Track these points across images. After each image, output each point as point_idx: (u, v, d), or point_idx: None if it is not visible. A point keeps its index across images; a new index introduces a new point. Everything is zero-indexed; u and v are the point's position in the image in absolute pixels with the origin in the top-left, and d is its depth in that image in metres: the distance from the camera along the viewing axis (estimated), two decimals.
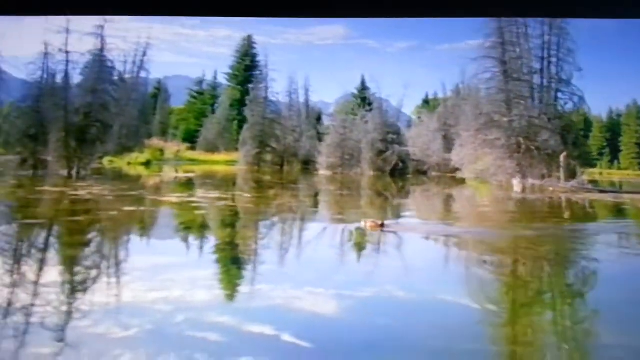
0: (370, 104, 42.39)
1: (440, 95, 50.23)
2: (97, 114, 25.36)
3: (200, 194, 17.41)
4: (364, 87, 57.48)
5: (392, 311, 5.22)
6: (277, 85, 43.74)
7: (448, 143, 32.48)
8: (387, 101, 38.00)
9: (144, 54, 29.95)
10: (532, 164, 21.83)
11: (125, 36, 26.74)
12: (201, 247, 8.69)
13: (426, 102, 54.15)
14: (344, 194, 21.58)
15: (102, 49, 25.94)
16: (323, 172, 34.76)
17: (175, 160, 47.26)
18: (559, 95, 23.30)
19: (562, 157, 21.37)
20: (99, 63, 25.99)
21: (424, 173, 32.98)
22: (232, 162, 48.38)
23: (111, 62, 26.65)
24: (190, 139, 59.86)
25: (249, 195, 17.98)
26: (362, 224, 9.87)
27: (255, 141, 40.92)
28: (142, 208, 13.54)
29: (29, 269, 6.18)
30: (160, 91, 64.79)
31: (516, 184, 21.44)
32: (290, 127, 42.37)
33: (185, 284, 5.84)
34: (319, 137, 51.77)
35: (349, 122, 37.02)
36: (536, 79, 23.29)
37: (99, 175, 25.09)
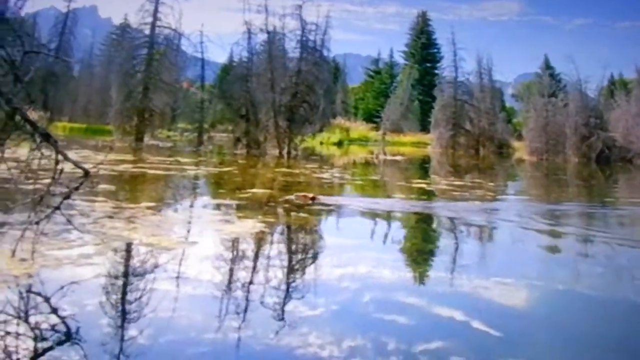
0: (558, 84, 38.23)
1: (626, 75, 44.12)
2: (304, 94, 26.32)
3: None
4: (547, 66, 51.62)
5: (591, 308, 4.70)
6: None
7: None
8: (580, 82, 34.14)
9: (325, 33, 29.00)
10: None
11: (299, 14, 26.91)
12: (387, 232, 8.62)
13: (612, 83, 47.61)
14: (553, 181, 20.41)
15: (302, 30, 26.61)
16: (527, 158, 32.61)
17: (364, 141, 47.94)
18: None
19: None
20: (301, 44, 26.68)
21: (629, 161, 29.55)
22: (419, 144, 47.65)
23: (313, 43, 27.13)
24: (370, 118, 60.37)
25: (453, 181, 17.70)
26: (293, 197, 9.72)
27: (448, 123, 39.63)
28: None
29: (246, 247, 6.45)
30: (338, 70, 65.56)
31: None
32: (484, 109, 39.97)
33: (370, 263, 5.81)
34: (509, 119, 48.14)
35: (551, 105, 33.61)
36: None
37: (312, 155, 26.40)
